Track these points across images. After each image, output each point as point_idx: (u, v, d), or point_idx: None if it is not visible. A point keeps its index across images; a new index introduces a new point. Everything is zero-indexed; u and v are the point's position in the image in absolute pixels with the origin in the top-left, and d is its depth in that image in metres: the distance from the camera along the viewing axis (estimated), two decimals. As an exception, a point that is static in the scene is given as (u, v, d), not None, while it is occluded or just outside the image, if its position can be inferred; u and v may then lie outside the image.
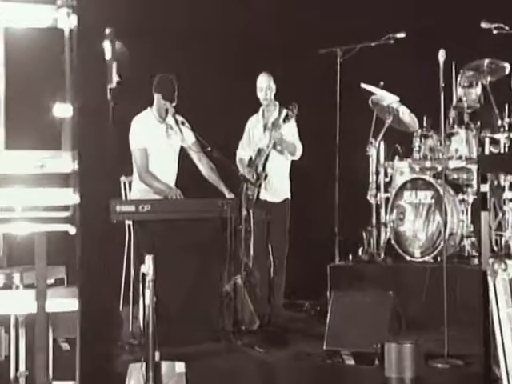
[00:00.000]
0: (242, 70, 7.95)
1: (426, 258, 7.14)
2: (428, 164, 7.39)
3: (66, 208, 2.88)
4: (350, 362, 5.44)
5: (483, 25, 7.08)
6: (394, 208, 7.38)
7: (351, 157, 7.62)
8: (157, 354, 4.76)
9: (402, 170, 7.53)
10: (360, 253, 7.50)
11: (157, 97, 6.77)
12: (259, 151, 7.03)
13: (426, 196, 7.21)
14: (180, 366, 4.88)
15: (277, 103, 7.13)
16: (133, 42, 6.94)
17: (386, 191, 7.60)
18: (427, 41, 7.37)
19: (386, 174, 7.63)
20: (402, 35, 7.58)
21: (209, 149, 6.54)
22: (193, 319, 6.10)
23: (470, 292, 6.28)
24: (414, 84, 7.71)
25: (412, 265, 7.15)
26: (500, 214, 6.78)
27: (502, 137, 6.94)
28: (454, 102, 7.30)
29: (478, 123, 7.24)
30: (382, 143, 7.59)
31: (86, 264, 2.80)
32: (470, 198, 7.25)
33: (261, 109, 7.22)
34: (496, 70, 7.24)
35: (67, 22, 2.88)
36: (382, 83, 7.52)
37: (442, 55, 5.64)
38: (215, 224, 6.26)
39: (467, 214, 7.24)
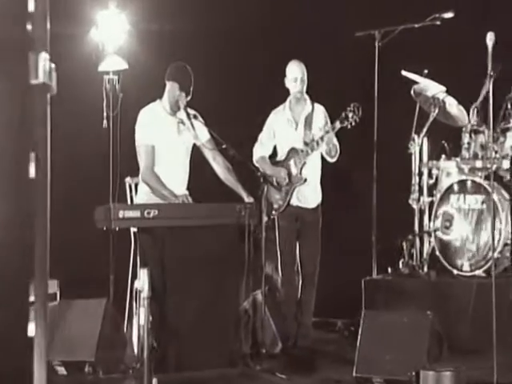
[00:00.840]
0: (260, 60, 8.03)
1: (477, 273, 6.97)
2: (479, 164, 7.19)
3: None
4: (383, 390, 5.49)
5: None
6: (440, 214, 7.21)
7: (391, 155, 7.50)
8: (154, 381, 4.73)
9: (449, 171, 7.34)
10: (400, 265, 7.30)
11: (171, 85, 6.44)
12: (295, 151, 6.82)
13: (476, 200, 7.09)
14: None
15: (307, 97, 6.94)
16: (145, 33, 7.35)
17: (430, 195, 7.40)
18: (478, 22, 7.22)
19: (430, 175, 7.43)
20: (450, 15, 7.29)
21: (224, 146, 6.33)
22: (206, 341, 5.97)
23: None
24: (462, 72, 7.49)
25: (459, 280, 7.00)
26: None
27: None
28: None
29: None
30: (426, 140, 7.37)
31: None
32: (528, 203, 7.15)
33: (287, 102, 6.98)
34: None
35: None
36: (426, 71, 7.27)
37: (490, 38, 5.47)
38: (232, 232, 6.16)
39: (525, 221, 7.16)
